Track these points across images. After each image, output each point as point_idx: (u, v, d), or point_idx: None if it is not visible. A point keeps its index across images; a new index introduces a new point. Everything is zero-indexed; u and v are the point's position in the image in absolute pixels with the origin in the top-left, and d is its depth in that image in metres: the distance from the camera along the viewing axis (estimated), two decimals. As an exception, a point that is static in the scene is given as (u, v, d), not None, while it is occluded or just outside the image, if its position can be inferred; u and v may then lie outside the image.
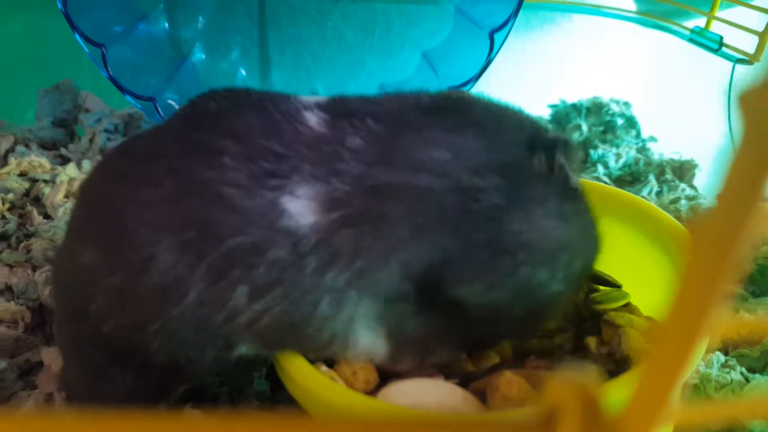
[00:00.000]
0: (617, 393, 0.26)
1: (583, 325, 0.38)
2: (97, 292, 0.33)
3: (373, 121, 0.34)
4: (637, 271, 0.41)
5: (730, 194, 0.11)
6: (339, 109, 0.35)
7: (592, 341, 0.36)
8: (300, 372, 0.32)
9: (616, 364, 0.34)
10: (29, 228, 0.57)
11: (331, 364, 0.34)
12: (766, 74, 0.10)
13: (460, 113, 0.34)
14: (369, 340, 0.33)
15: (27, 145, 0.71)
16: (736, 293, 0.42)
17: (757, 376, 0.42)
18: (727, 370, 0.42)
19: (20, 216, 0.59)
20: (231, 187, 0.31)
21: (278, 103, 0.35)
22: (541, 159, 0.32)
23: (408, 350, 0.33)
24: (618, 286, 0.40)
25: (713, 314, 0.11)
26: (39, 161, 0.64)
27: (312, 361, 0.33)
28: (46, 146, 0.73)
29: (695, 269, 0.11)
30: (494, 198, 0.31)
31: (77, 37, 0.60)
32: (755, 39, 0.66)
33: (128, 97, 0.64)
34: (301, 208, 0.31)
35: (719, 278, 0.11)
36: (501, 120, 0.35)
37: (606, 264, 0.41)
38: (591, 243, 0.35)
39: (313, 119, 0.34)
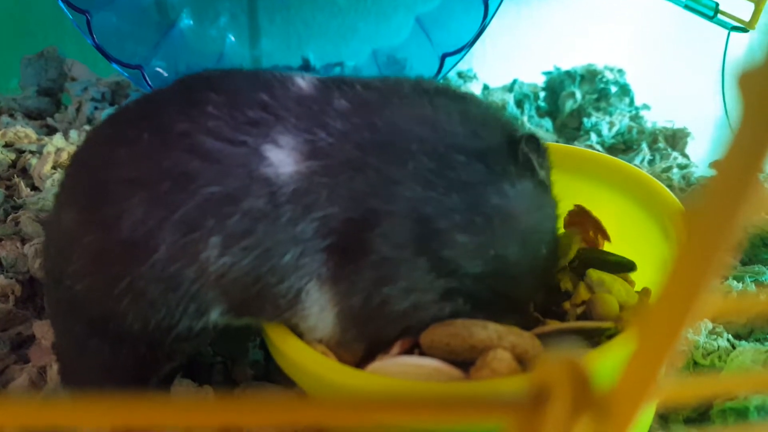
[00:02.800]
0: (601, 362, 0.26)
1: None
2: (74, 253, 0.34)
3: (362, 88, 0.35)
4: (627, 238, 0.41)
5: (726, 174, 0.10)
6: (331, 78, 0.36)
7: (568, 305, 0.36)
8: (292, 347, 0.32)
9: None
10: (16, 200, 0.57)
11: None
12: (765, 55, 0.09)
13: (448, 97, 0.36)
14: (318, 305, 0.32)
15: (12, 115, 0.70)
16: (728, 265, 0.43)
17: (743, 342, 0.43)
18: (714, 336, 0.43)
19: (7, 188, 0.59)
20: (210, 136, 0.31)
21: (271, 71, 0.36)
22: (512, 148, 0.34)
23: (355, 331, 0.33)
24: (631, 268, 0.40)
25: (706, 293, 0.11)
26: (25, 132, 0.63)
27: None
28: (31, 116, 0.72)
29: (690, 250, 0.11)
30: (469, 170, 0.33)
31: (60, 3, 0.58)
32: (751, 6, 0.65)
33: (115, 65, 0.63)
34: (282, 156, 0.31)
35: (713, 259, 0.11)
36: (483, 111, 0.37)
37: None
38: (553, 237, 0.36)
39: (303, 82, 0.34)
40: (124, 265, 0.32)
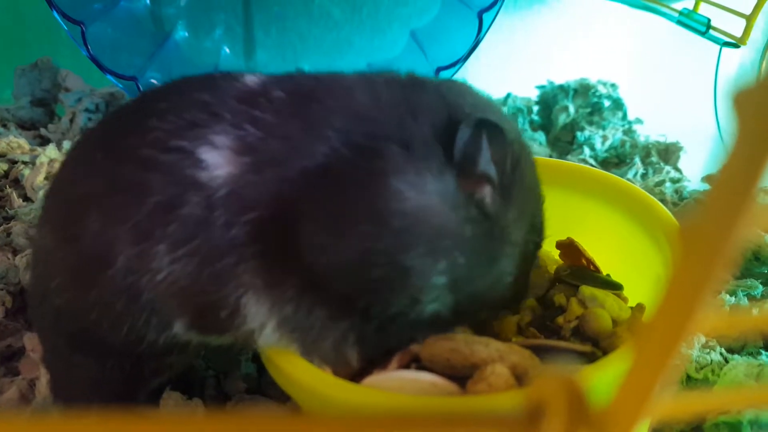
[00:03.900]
0: (596, 379, 0.26)
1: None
2: (53, 269, 0.34)
3: (306, 79, 0.34)
4: (621, 253, 0.41)
5: (723, 192, 0.10)
6: (284, 74, 0.35)
7: (561, 320, 0.36)
8: (286, 360, 0.32)
9: (585, 343, 0.34)
10: (8, 211, 0.56)
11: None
12: (759, 75, 0.10)
13: (398, 86, 0.34)
14: (258, 320, 0.32)
15: (5, 125, 0.70)
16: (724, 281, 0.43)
17: (736, 356, 0.43)
18: (707, 350, 0.43)
19: (-1, 198, 0.58)
20: (152, 146, 0.32)
21: (228, 72, 0.36)
22: (444, 140, 0.31)
23: (297, 345, 0.32)
24: (617, 287, 0.39)
25: (702, 311, 0.11)
26: (18, 142, 0.63)
27: None
28: (24, 126, 0.72)
29: (686, 266, 0.11)
30: (378, 161, 0.30)
31: (55, 13, 0.59)
32: (743, 22, 0.66)
33: (109, 77, 0.63)
34: (218, 157, 0.31)
35: (709, 276, 0.11)
36: (437, 100, 0.33)
37: (591, 247, 0.41)
38: (477, 246, 0.31)
39: (251, 78, 0.34)
40: (91, 278, 0.33)
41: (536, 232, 0.36)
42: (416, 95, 0.33)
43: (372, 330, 0.32)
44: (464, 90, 0.35)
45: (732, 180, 0.10)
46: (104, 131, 0.36)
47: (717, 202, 0.10)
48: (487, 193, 0.32)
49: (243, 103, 0.32)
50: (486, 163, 0.31)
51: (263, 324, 0.32)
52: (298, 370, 0.31)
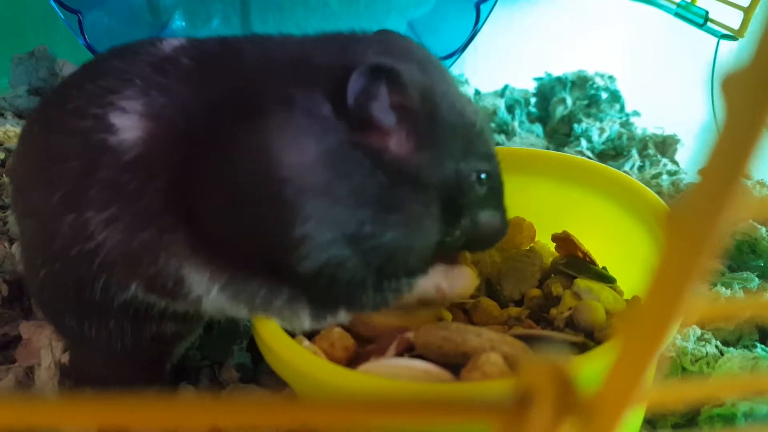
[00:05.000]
0: (587, 369, 0.26)
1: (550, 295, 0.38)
2: (35, 251, 0.35)
3: (214, 44, 0.34)
4: (617, 245, 0.41)
5: (711, 175, 0.10)
6: (202, 39, 0.35)
7: (555, 311, 0.36)
8: (282, 346, 0.32)
9: (578, 334, 0.34)
10: (5, 200, 0.56)
11: (310, 336, 0.34)
12: (749, 58, 0.10)
13: (294, 46, 0.33)
14: (202, 287, 0.32)
15: (2, 114, 0.69)
16: (714, 270, 0.43)
17: (731, 349, 0.43)
18: (703, 343, 0.43)
19: (-5, 187, 0.58)
20: (72, 115, 0.32)
21: (154, 37, 0.36)
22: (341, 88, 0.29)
23: (243, 307, 0.32)
24: (611, 280, 0.40)
25: (691, 295, 0.11)
26: (14, 131, 0.63)
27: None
28: (21, 115, 0.71)
29: (674, 251, 0.11)
30: (253, 122, 0.30)
31: (52, 2, 0.58)
32: (740, 14, 0.65)
33: (106, 66, 0.62)
34: (127, 122, 0.31)
35: (698, 260, 0.11)
36: (334, 54, 0.32)
37: (588, 239, 0.42)
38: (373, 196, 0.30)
39: (169, 44, 0.34)
40: (52, 250, 0.33)
41: (481, 159, 0.33)
42: (314, 51, 0.32)
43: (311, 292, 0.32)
44: (380, 40, 0.34)
45: (720, 165, 0.10)
46: (41, 107, 0.38)
47: (704, 187, 0.10)
48: (391, 141, 0.30)
49: (153, 70, 0.33)
50: (382, 111, 0.30)
51: (208, 290, 0.32)
52: (294, 356, 0.31)
